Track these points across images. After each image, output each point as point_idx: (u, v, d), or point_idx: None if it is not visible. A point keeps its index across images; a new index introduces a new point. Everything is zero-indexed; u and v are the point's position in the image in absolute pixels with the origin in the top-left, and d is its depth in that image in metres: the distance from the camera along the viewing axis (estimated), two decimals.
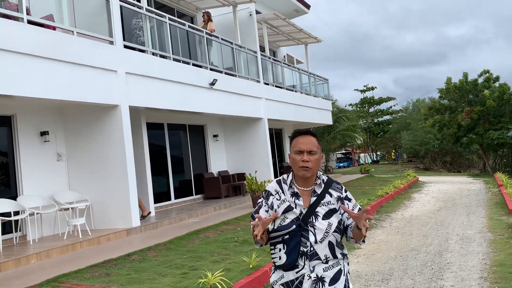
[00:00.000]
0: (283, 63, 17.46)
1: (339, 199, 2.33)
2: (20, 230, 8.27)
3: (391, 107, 52.65)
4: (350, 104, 52.62)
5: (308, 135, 2.34)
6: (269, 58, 16.03)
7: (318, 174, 2.37)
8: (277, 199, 2.33)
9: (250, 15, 15.23)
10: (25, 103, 8.52)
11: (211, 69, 12.01)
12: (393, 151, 53.93)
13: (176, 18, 11.21)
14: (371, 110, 52.75)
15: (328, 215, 2.26)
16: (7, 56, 6.73)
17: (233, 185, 14.03)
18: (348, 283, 2.32)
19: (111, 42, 8.79)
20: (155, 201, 11.50)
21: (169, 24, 10.55)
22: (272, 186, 2.39)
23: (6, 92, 6.77)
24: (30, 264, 6.58)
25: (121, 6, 9.11)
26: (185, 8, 14.77)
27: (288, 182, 2.36)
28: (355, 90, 53.14)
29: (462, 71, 30.22)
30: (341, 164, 47.38)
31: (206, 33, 12.09)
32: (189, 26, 11.44)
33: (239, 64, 13.59)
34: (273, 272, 2.36)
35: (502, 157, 32.29)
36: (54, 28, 7.85)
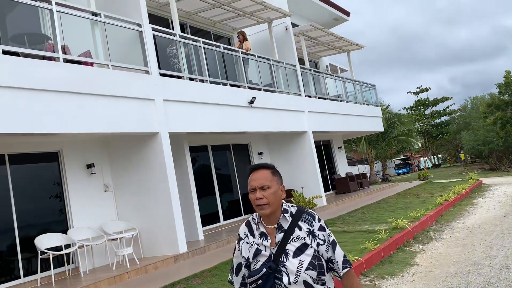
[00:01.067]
0: (325, 73, 17.10)
1: (310, 232, 2.14)
2: (72, 263, 8.48)
3: (448, 107, 50.37)
4: (404, 108, 50.95)
5: (260, 170, 2.21)
6: (309, 70, 15.75)
7: (285, 206, 2.22)
8: (246, 243, 2.23)
9: (286, 29, 15.09)
10: (70, 139, 8.81)
11: (249, 88, 11.94)
12: (461, 152, 51.19)
13: (210, 41, 11.28)
14: (427, 112, 50.67)
15: (298, 252, 2.10)
16: (48, 95, 6.98)
17: None
18: None
19: (147, 72, 8.94)
20: (204, 224, 11.47)
21: (204, 48, 10.61)
22: (241, 229, 2.29)
23: (49, 130, 7.00)
24: None
25: (154, 36, 9.27)
26: (222, 30, 14.89)
27: (256, 221, 2.24)
28: (408, 92, 51.36)
29: None
30: (400, 171, 45.67)
31: (242, 52, 12.06)
32: (224, 48, 11.47)
33: (278, 79, 13.43)
34: None
35: None
36: (92, 64, 8.10)
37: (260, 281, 2.11)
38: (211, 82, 10.63)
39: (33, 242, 7.68)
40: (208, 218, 12.07)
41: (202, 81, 10.42)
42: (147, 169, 9.01)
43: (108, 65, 8.18)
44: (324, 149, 18.85)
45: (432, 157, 52.46)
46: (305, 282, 2.08)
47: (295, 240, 2.13)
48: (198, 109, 9.97)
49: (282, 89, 13.51)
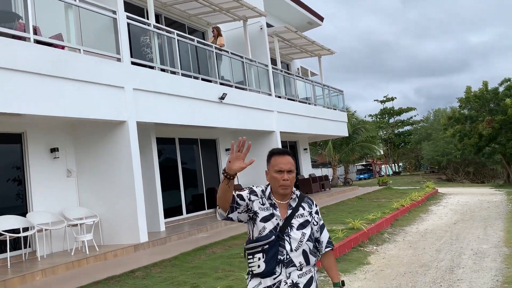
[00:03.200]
0: (296, 75, 17.41)
1: (310, 213, 2.58)
2: (30, 246, 8.35)
3: (411, 117, 51.99)
4: (370, 115, 52.21)
5: (286, 155, 2.57)
6: (281, 71, 16.01)
7: (293, 189, 2.59)
8: (260, 203, 2.51)
9: (261, 28, 15.28)
10: (35, 121, 8.67)
11: (221, 83, 12.05)
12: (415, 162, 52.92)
13: (184, 34, 11.32)
14: (391, 120, 52.12)
15: (301, 226, 2.49)
16: (16, 75, 6.87)
17: None
18: None
19: (119, 59, 8.91)
20: (167, 216, 11.50)
21: (178, 40, 10.64)
22: (258, 190, 2.56)
23: (15, 111, 6.90)
24: (35, 281, 6.61)
25: (128, 24, 9.24)
26: (196, 24, 14.91)
27: (267, 194, 2.55)
28: (374, 100, 52.68)
29: (486, 78, 29.51)
30: (362, 176, 46.74)
31: (216, 47, 12.15)
32: (198, 42, 11.53)
33: (249, 77, 13.60)
34: (250, 280, 2.49)
35: None
36: (63, 47, 8.01)
37: (266, 246, 2.41)
38: (183, 75, 10.68)
39: None
40: (171, 210, 12.10)
41: (173, 73, 10.45)
42: (113, 157, 8.99)
43: (79, 49, 8.11)
44: (290, 149, 19.15)
45: (393, 164, 54.00)
46: (304, 251, 2.47)
47: (300, 216, 2.53)
48: (168, 100, 10.00)
49: (253, 87, 13.69)
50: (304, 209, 2.56)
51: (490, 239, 8.38)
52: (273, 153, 2.59)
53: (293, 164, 2.54)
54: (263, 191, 2.56)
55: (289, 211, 2.51)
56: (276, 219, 2.46)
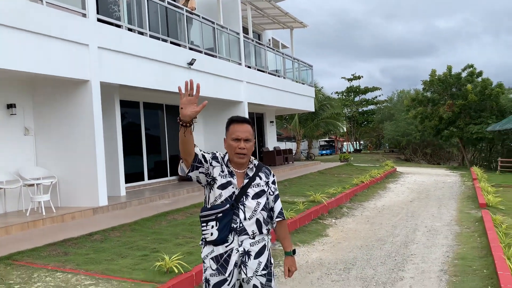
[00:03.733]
0: (267, 46, 17.21)
1: (266, 183, 2.57)
2: None
3: (376, 97, 52.85)
4: (336, 92, 52.72)
5: (245, 124, 2.51)
6: (252, 40, 15.77)
7: (251, 159, 2.57)
8: (220, 170, 2.49)
9: None
10: None
11: (190, 49, 11.74)
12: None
13: None
14: (357, 99, 52.89)
15: (257, 195, 2.50)
16: None
17: None
18: (270, 257, 2.55)
19: (84, 15, 8.47)
20: (128, 181, 11.32)
21: None
22: (220, 157, 2.55)
23: None
24: None
25: None
26: None
27: (225, 161, 2.53)
28: (342, 78, 53.15)
29: (450, 63, 30.38)
30: (324, 152, 47.57)
31: (187, 10, 11.77)
32: (168, 3, 11.11)
33: (220, 45, 13.32)
34: (204, 247, 2.52)
35: (481, 151, 32.73)
36: None
37: (220, 215, 2.42)
38: (151, 36, 10.31)
39: None
40: (133, 176, 11.90)
41: (141, 33, 10.07)
42: (74, 118, 8.66)
43: (42, 0, 7.64)
44: (256, 121, 19.13)
45: (354, 142, 55.15)
46: (257, 220, 2.49)
47: (256, 186, 2.53)
48: (134, 62, 9.67)
49: (223, 55, 13.44)
50: (261, 178, 2.55)
51: (443, 217, 8.74)
52: (232, 121, 2.52)
53: (251, 133, 2.50)
54: (222, 159, 2.54)
55: (246, 181, 2.50)
56: (232, 187, 2.46)
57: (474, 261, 5.47)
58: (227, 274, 2.43)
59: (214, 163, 2.49)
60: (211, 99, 13.28)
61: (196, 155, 2.41)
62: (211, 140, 15.01)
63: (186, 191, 11.11)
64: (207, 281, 2.49)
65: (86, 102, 8.48)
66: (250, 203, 2.46)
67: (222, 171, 2.48)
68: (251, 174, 2.53)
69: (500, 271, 4.46)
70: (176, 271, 4.73)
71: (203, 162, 2.45)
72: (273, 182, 2.61)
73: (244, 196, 2.46)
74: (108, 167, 9.61)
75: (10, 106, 8.53)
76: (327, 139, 49.10)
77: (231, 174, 2.49)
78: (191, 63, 11.36)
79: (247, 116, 14.52)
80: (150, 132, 12.91)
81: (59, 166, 8.76)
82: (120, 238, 6.61)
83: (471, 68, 28.21)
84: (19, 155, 8.67)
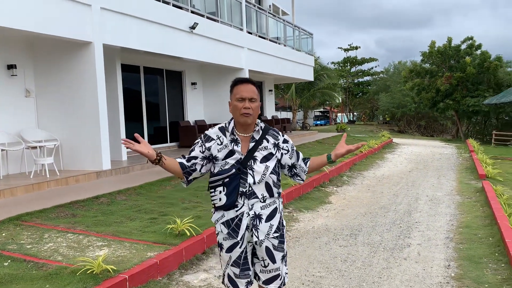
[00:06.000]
0: (268, 12, 16.89)
1: (276, 145, 2.51)
2: None
3: (372, 68, 52.52)
4: (333, 63, 52.25)
5: (249, 84, 2.45)
6: (254, 5, 15.44)
7: (257, 121, 2.51)
8: (218, 144, 2.45)
9: None
10: None
11: (192, 12, 11.48)
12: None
13: None
14: (353, 70, 52.53)
15: (265, 159, 2.45)
16: None
17: None
18: (282, 220, 2.54)
19: None
20: None
21: None
22: (213, 132, 2.50)
23: None
24: None
25: None
26: None
27: (230, 128, 2.47)
28: (338, 48, 52.68)
29: (446, 36, 30.09)
30: (319, 122, 47.58)
31: None
32: None
33: (222, 9, 13.04)
34: (214, 213, 2.52)
35: (475, 124, 32.93)
36: None
37: (227, 180, 2.40)
38: None
39: None
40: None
41: None
42: (76, 81, 8.51)
43: None
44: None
45: (349, 113, 55.15)
46: (267, 183, 2.45)
47: (263, 149, 2.46)
48: (137, 24, 9.45)
49: (225, 20, 13.17)
50: (268, 141, 2.49)
51: (444, 187, 8.85)
52: (236, 82, 2.48)
53: (256, 93, 2.43)
54: (223, 128, 2.49)
55: (252, 144, 2.44)
56: (237, 155, 2.42)
57: (478, 230, 5.57)
58: (239, 238, 2.44)
59: (207, 144, 2.46)
60: (212, 65, 13.12)
61: (182, 164, 2.45)
62: (209, 106, 14.90)
63: None
64: (220, 245, 2.52)
65: (88, 65, 8.32)
66: (258, 167, 2.42)
67: (221, 143, 2.45)
68: (257, 137, 2.47)
69: (508, 239, 4.54)
70: (188, 234, 4.77)
71: (194, 161, 2.46)
72: (285, 141, 2.53)
73: (252, 160, 2.42)
74: (110, 132, 9.53)
75: (10, 66, 8.35)
76: (322, 109, 49.02)
77: (235, 141, 2.44)
78: (193, 27, 11.13)
79: None
80: (150, 97, 12.77)
81: (61, 129, 8.67)
82: (127, 201, 6.63)
83: (471, 41, 28.01)
84: (20, 117, 8.55)
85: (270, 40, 16.35)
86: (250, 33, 14.86)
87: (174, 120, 13.66)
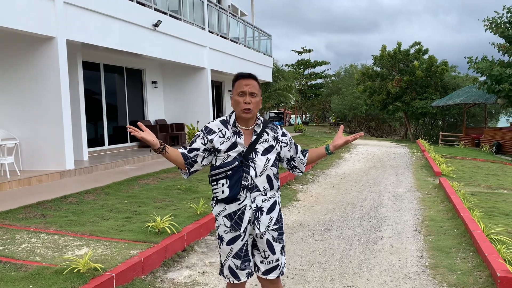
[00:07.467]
0: (229, 12, 16.93)
1: (275, 138, 2.57)
2: None
3: (324, 71, 53.81)
4: (287, 65, 53.02)
5: (250, 79, 2.50)
6: (215, 5, 15.44)
7: (258, 115, 2.58)
8: (220, 137, 2.48)
9: None
10: None
11: (155, 9, 11.32)
12: (333, 115, 55.52)
13: None
14: (306, 72, 53.56)
15: (266, 151, 2.51)
16: None
17: (171, 134, 13.69)
18: (280, 212, 2.61)
19: None
20: (89, 146, 10.93)
21: None
22: (215, 124, 2.53)
23: None
24: None
25: None
26: None
27: (232, 121, 2.52)
28: (292, 50, 53.47)
29: (391, 41, 31.42)
30: None
31: None
32: None
33: (184, 7, 12.95)
34: (215, 206, 2.55)
35: (423, 125, 34.56)
36: None
37: (229, 172, 2.44)
38: None
39: None
40: (93, 141, 11.50)
41: None
42: (37, 78, 8.17)
43: None
44: (216, 90, 18.95)
45: (302, 115, 56.15)
46: (268, 176, 2.51)
47: (264, 142, 2.53)
48: (100, 20, 9.21)
49: (187, 18, 13.08)
50: (268, 134, 2.55)
51: (403, 184, 9.28)
52: (237, 77, 2.52)
53: (257, 87, 2.48)
54: (225, 121, 2.53)
55: (254, 137, 2.49)
56: (239, 147, 2.47)
57: (443, 222, 5.91)
58: (241, 230, 2.48)
59: (209, 136, 2.49)
60: (172, 63, 12.99)
61: (185, 155, 2.49)
62: (170, 105, 14.72)
63: (151, 157, 10.94)
64: (220, 237, 2.55)
65: (51, 60, 8.02)
66: (259, 160, 2.47)
67: (223, 135, 2.48)
68: (258, 130, 2.53)
69: (473, 230, 4.87)
70: (169, 231, 4.75)
71: (196, 152, 2.49)
72: (283, 134, 2.60)
73: (253, 153, 2.47)
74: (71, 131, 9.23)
75: None
76: (276, 111, 49.60)
77: (237, 133, 2.49)
78: (156, 25, 10.99)
79: (209, 81, 14.36)
80: (110, 95, 12.45)
81: (21, 127, 8.29)
82: (96, 201, 6.46)
83: (419, 46, 29.40)
84: None
85: (231, 40, 16.40)
86: (212, 33, 14.84)
87: (134, 119, 13.39)
